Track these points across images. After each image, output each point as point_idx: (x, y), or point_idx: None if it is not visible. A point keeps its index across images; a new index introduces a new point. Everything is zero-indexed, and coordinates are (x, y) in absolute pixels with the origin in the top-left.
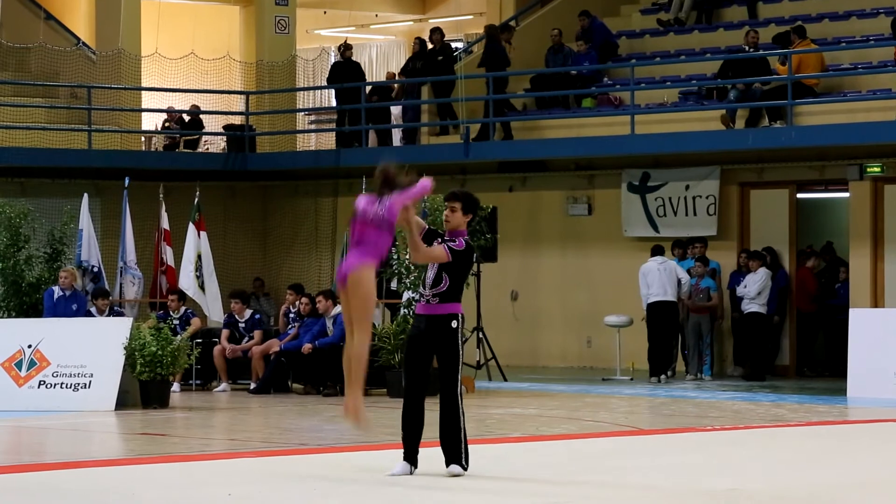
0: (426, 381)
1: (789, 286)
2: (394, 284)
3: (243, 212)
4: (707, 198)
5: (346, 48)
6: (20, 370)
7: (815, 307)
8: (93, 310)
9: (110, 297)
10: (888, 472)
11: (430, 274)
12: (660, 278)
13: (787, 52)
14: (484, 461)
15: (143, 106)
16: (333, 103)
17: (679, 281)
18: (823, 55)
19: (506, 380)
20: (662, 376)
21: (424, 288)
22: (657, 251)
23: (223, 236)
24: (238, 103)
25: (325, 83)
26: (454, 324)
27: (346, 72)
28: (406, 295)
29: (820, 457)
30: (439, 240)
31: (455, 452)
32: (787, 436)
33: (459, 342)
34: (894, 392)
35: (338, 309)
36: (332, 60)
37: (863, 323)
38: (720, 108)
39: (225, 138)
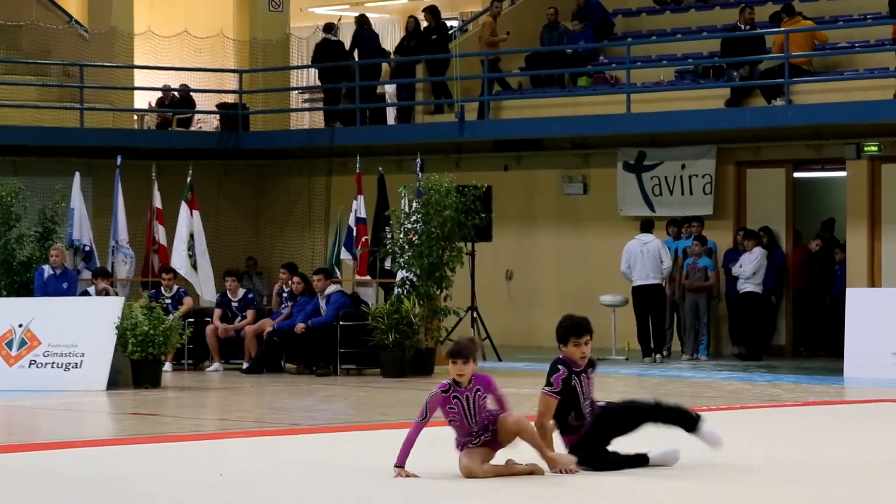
0: None
1: (786, 266)
2: (387, 264)
3: (236, 191)
4: (703, 177)
5: (326, 29)
6: (11, 350)
7: (808, 284)
8: (91, 290)
9: (111, 279)
10: (887, 453)
11: (585, 405)
12: (641, 261)
13: (782, 30)
14: None
15: (136, 84)
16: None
17: (662, 262)
18: (816, 33)
19: (500, 360)
20: (657, 356)
21: (580, 419)
22: (646, 227)
23: (216, 215)
24: (231, 81)
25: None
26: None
27: (329, 52)
28: (400, 274)
29: (816, 437)
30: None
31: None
32: (783, 416)
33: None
34: (891, 372)
35: (332, 288)
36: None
37: (860, 303)
38: (717, 87)
39: (218, 117)
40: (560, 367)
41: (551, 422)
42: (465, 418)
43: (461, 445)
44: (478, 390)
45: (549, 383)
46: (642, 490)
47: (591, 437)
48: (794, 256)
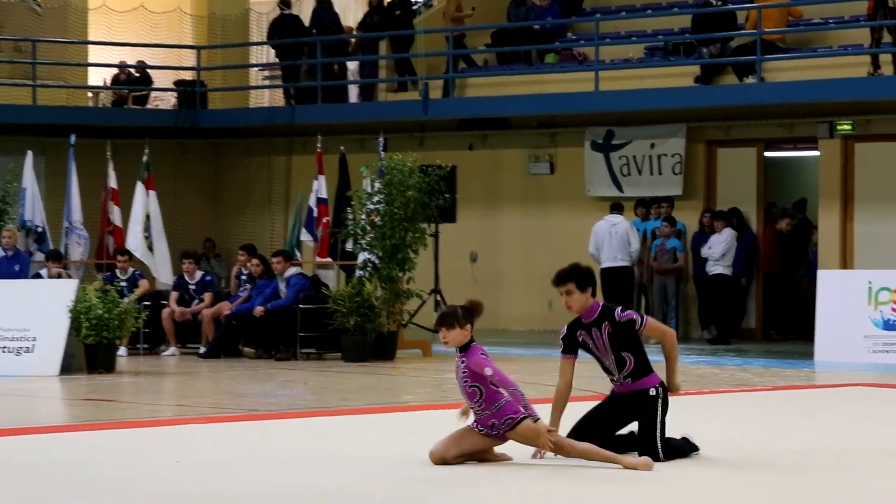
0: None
1: (756, 247)
2: (349, 245)
3: (194, 170)
4: (673, 156)
5: (282, 3)
6: None
7: (780, 267)
8: (43, 272)
9: (64, 261)
10: (857, 438)
11: (610, 359)
12: (609, 243)
13: (754, 6)
14: (441, 425)
15: (91, 60)
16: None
17: (630, 244)
18: (790, 8)
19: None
20: None
21: (610, 373)
22: (616, 208)
23: (173, 195)
24: (189, 58)
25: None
26: (652, 391)
27: (286, 27)
28: (362, 256)
29: (786, 422)
30: (587, 332)
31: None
32: (752, 400)
33: (659, 407)
34: (862, 355)
35: (292, 270)
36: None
37: (831, 285)
38: (687, 65)
39: (175, 94)
40: (566, 325)
41: (567, 387)
42: (459, 384)
43: (472, 422)
44: (463, 361)
45: None
46: (625, 480)
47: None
48: (765, 238)
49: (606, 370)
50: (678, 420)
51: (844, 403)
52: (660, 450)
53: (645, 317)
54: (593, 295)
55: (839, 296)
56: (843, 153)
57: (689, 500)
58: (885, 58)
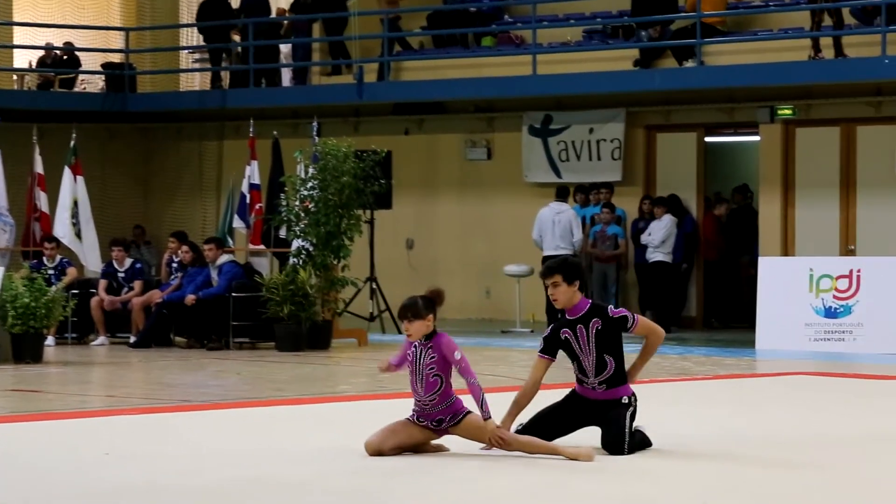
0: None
1: (696, 233)
2: (282, 232)
3: (123, 155)
4: (612, 141)
5: None
6: None
7: (721, 255)
8: None
9: None
10: (796, 428)
11: (590, 360)
12: (552, 230)
13: None
14: (377, 416)
15: (15, 42)
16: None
17: (573, 233)
18: None
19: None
20: None
21: (585, 375)
22: (561, 195)
23: (101, 181)
24: (117, 40)
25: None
26: (625, 400)
27: (214, 9)
28: (295, 244)
29: (726, 412)
30: (570, 331)
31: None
32: (693, 390)
33: (628, 415)
34: (804, 343)
35: (224, 258)
36: None
37: (772, 272)
38: (626, 48)
39: (103, 77)
40: (551, 325)
41: (533, 386)
42: (413, 373)
43: (412, 414)
44: (430, 348)
45: None
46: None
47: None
48: (706, 225)
49: (582, 371)
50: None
51: (786, 392)
52: (626, 445)
53: (637, 315)
54: (581, 290)
55: (780, 283)
56: (784, 138)
57: (647, 493)
58: (825, 41)
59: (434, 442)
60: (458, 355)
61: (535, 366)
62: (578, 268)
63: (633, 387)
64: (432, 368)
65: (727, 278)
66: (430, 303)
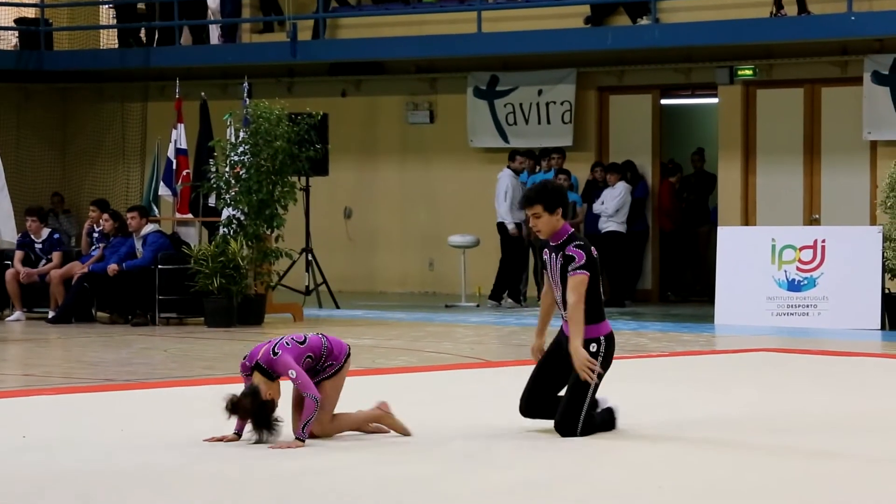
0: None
1: (647, 198)
2: (211, 201)
3: (39, 118)
4: (562, 104)
5: None
6: None
7: (674, 226)
8: None
9: None
10: (759, 407)
11: (559, 293)
12: (495, 197)
13: None
14: None
15: None
16: None
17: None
18: None
19: (338, 307)
20: (504, 301)
21: (559, 306)
22: (511, 159)
23: (15, 145)
24: None
25: None
26: (592, 348)
27: None
28: (226, 212)
29: (683, 391)
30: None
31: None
32: (648, 367)
33: (589, 392)
34: (765, 318)
35: (149, 227)
36: None
37: (732, 242)
38: (576, 4)
39: (16, 33)
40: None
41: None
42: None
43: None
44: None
45: None
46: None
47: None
48: (662, 193)
49: (558, 303)
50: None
51: (747, 370)
52: (579, 426)
53: (583, 271)
54: (564, 216)
55: (740, 254)
56: (744, 100)
57: (596, 476)
58: None
59: (373, 424)
60: (292, 374)
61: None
62: (560, 193)
63: None
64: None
65: (685, 249)
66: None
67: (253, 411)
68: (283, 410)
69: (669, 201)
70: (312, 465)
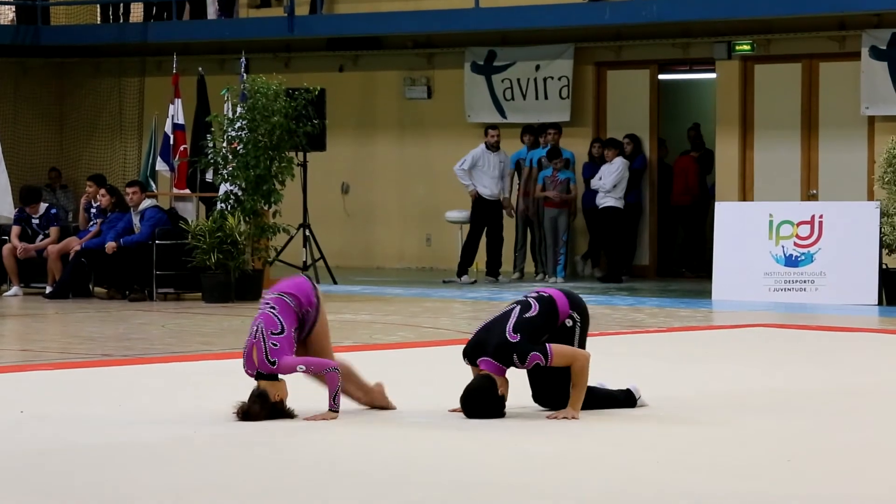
0: None
1: (645, 171)
2: (209, 176)
3: (36, 93)
4: (559, 79)
5: None
6: None
7: (692, 202)
8: None
9: None
10: (756, 382)
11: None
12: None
13: None
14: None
15: None
16: None
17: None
18: None
19: (336, 282)
20: (465, 277)
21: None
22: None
23: (13, 120)
24: None
25: None
26: (569, 323)
27: None
28: (223, 188)
29: (680, 367)
30: None
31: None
32: (645, 343)
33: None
34: (763, 294)
35: (147, 203)
36: None
37: (729, 218)
38: None
39: (13, 8)
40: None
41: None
42: None
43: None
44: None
45: None
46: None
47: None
48: (686, 167)
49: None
50: None
51: (744, 346)
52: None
53: (540, 353)
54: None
55: (737, 230)
56: (742, 75)
57: (596, 451)
58: None
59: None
60: (301, 368)
61: None
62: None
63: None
64: None
65: (697, 225)
66: None
67: (266, 416)
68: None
69: (694, 176)
70: (313, 439)
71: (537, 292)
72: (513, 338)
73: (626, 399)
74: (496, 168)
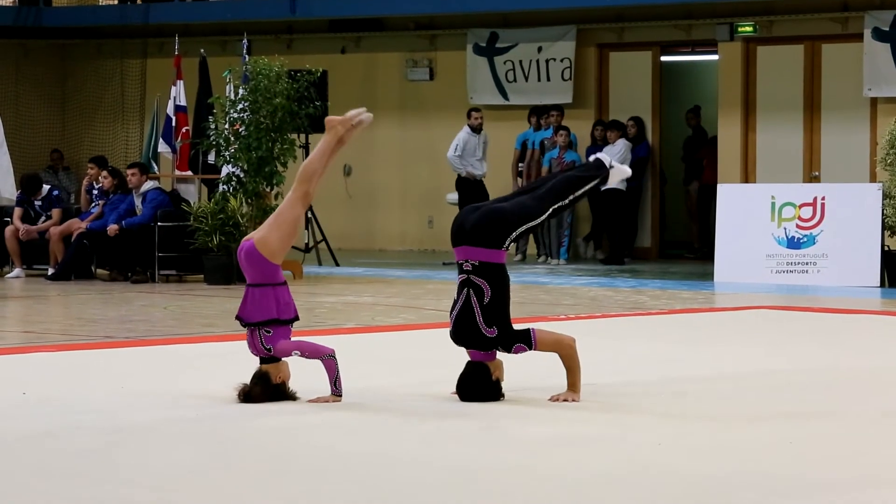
0: None
1: (651, 158)
2: (211, 158)
3: (38, 74)
4: (562, 61)
5: None
6: None
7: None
8: None
9: None
10: (758, 364)
11: None
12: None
13: None
14: None
15: None
16: None
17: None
18: None
19: (338, 265)
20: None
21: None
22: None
23: (15, 102)
24: None
25: None
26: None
27: None
28: (225, 169)
29: (683, 348)
30: None
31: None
32: (647, 325)
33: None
34: (765, 275)
35: (149, 184)
36: None
37: (731, 200)
38: None
39: None
40: None
41: None
42: None
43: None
44: None
45: None
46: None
47: None
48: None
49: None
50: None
51: (746, 328)
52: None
53: (522, 343)
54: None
55: (740, 212)
56: (744, 57)
57: (594, 433)
58: None
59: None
60: (297, 353)
61: None
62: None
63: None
64: None
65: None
66: None
67: (267, 397)
68: (296, 383)
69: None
70: (306, 422)
71: (471, 264)
72: (490, 333)
73: (597, 168)
74: (480, 149)
